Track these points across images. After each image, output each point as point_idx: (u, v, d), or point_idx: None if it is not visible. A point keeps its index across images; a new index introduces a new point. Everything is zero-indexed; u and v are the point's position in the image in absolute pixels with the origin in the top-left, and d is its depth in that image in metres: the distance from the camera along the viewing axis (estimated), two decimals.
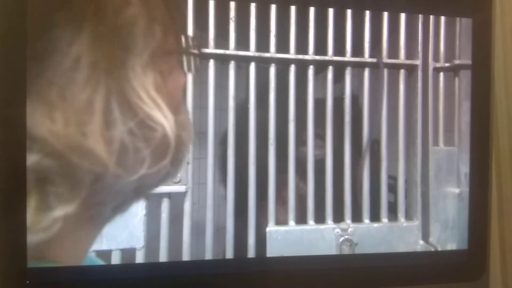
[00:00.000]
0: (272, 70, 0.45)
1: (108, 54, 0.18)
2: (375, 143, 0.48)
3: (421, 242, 0.47)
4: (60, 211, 0.18)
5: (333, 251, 0.45)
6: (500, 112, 0.46)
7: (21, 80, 0.23)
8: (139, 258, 0.39)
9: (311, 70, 0.46)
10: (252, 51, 0.44)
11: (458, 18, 0.47)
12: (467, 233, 0.43)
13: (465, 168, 0.47)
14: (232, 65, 0.44)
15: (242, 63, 0.44)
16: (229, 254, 0.43)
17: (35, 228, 0.18)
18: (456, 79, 0.49)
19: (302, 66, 0.46)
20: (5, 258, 0.29)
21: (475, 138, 0.43)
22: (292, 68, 0.46)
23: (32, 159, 0.17)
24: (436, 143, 0.49)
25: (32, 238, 0.18)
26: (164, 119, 0.19)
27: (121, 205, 0.23)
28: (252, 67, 0.44)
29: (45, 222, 0.18)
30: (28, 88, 0.18)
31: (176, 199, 0.42)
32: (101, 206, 0.21)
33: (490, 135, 0.44)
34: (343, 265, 0.40)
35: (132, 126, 0.19)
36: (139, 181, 0.20)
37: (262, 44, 0.44)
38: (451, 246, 0.47)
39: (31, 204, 0.18)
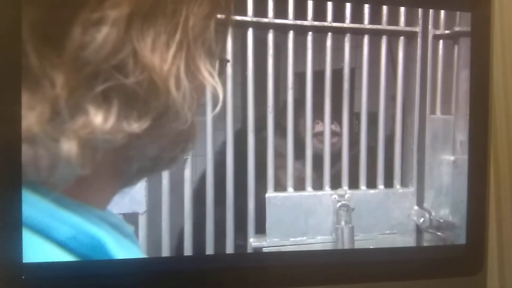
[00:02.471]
0: (270, 36, 0.44)
1: (199, 31, 0.25)
2: (372, 110, 0.49)
3: (416, 207, 0.49)
4: (130, 127, 0.23)
5: (330, 217, 0.46)
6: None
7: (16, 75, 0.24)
8: (142, 223, 0.40)
9: (309, 37, 0.46)
10: (249, 17, 0.43)
11: None
12: (465, 228, 0.43)
13: (460, 136, 0.48)
14: (229, 31, 0.43)
15: (239, 28, 0.43)
16: (229, 221, 0.44)
17: (110, 135, 0.22)
18: (456, 47, 0.48)
19: (300, 32, 0.45)
20: (1, 253, 0.29)
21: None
22: (291, 34, 0.45)
23: (131, 80, 0.22)
24: (433, 111, 0.50)
25: (101, 142, 0.23)
26: (218, 86, 0.26)
27: (143, 171, 0.27)
28: (250, 33, 0.44)
29: (117, 135, 0.23)
30: (153, 31, 0.23)
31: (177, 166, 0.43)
32: (128, 164, 0.25)
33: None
34: (341, 260, 0.41)
35: (192, 85, 0.25)
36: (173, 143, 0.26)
37: (260, 9, 0.43)
38: (443, 211, 0.48)
39: (113, 115, 0.22)
